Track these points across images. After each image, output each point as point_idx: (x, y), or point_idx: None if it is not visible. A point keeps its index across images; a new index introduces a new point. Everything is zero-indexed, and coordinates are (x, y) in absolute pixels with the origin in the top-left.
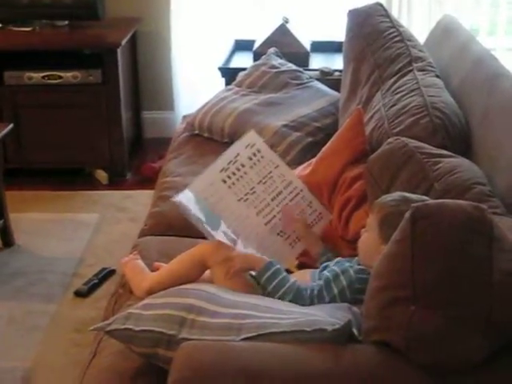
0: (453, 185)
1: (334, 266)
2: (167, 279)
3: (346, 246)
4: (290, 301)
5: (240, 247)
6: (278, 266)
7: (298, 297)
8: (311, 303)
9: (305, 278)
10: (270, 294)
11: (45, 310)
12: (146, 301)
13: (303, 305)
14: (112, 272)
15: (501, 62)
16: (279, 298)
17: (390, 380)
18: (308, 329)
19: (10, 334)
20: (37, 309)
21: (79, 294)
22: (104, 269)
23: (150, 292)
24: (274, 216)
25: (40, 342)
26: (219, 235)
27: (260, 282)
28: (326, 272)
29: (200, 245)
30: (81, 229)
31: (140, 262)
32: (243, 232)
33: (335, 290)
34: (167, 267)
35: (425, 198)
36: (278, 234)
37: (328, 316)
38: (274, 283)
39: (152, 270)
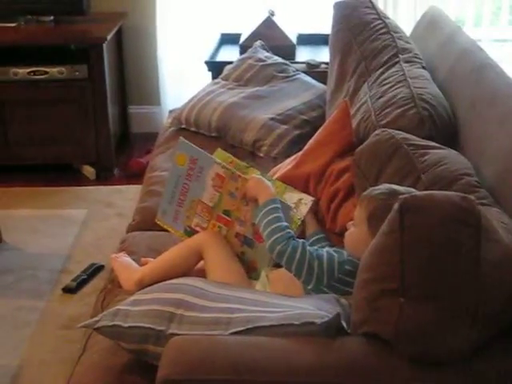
0: (440, 176)
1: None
2: (159, 270)
3: (335, 239)
4: (276, 239)
5: None
6: (277, 205)
7: (282, 240)
8: (292, 251)
9: None
10: (262, 231)
11: (33, 306)
12: (134, 297)
13: (284, 247)
14: (100, 268)
15: (487, 52)
16: (267, 235)
17: (380, 372)
18: (296, 322)
19: None
20: (25, 305)
21: (68, 290)
22: (92, 264)
23: (140, 283)
24: None
25: (29, 338)
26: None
27: (258, 216)
28: None
29: (196, 235)
30: (69, 225)
31: (129, 259)
32: None
33: (325, 260)
34: (160, 258)
35: (412, 190)
36: None
37: (316, 309)
38: (267, 219)
39: (140, 265)
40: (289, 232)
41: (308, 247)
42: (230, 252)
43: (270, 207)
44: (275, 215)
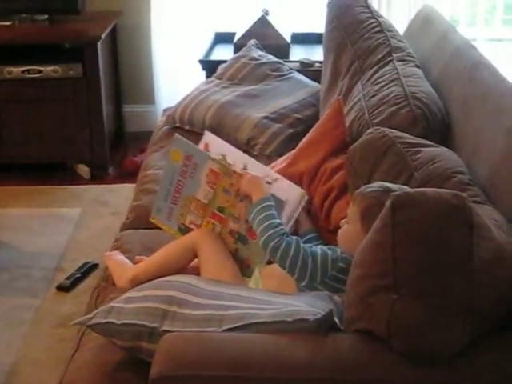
0: (433, 174)
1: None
2: (153, 267)
3: (328, 237)
4: (269, 235)
5: None
6: (270, 203)
7: (275, 236)
8: (286, 247)
9: None
10: (255, 229)
11: (28, 304)
12: (127, 294)
13: (278, 244)
14: (95, 266)
15: (481, 51)
16: (261, 233)
17: (372, 368)
18: (289, 319)
19: None
20: (20, 304)
21: (62, 288)
22: (87, 263)
23: (134, 281)
24: None
25: (23, 336)
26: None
27: (251, 214)
28: None
29: (191, 233)
30: (63, 223)
31: (123, 257)
32: None
33: (318, 257)
34: (154, 256)
35: (405, 187)
36: None
37: (309, 306)
38: (260, 216)
39: (134, 263)
40: (282, 229)
41: (302, 244)
42: (223, 249)
43: (263, 205)
44: (268, 213)
